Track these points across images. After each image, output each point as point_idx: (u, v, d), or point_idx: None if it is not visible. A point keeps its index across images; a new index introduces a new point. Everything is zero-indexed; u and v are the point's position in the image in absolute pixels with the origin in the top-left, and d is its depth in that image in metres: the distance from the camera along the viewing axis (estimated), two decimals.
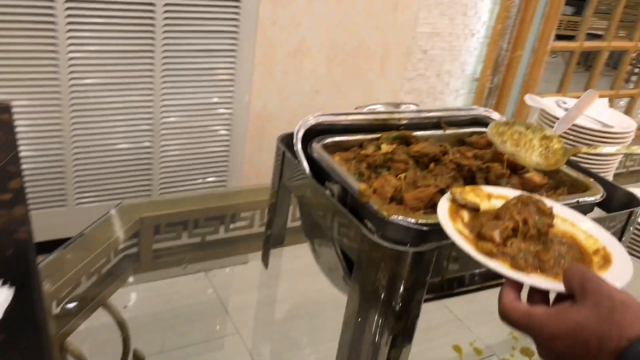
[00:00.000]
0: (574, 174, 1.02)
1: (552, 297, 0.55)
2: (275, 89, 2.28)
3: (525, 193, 0.72)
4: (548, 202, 0.71)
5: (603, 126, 1.34)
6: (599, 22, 4.87)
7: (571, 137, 1.30)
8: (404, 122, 1.12)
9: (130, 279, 1.18)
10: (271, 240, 1.09)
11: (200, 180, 2.15)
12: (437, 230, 0.81)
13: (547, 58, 2.97)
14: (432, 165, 1.01)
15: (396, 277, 0.77)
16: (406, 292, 0.79)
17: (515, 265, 0.59)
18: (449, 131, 1.15)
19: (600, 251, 0.65)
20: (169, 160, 2.07)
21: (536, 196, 0.71)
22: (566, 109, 1.44)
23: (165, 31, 1.87)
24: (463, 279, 0.91)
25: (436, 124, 1.16)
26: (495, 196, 0.75)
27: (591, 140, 1.32)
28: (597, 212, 1.24)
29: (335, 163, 0.94)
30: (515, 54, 2.85)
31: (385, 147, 1.03)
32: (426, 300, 0.90)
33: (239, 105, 2.11)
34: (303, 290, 1.24)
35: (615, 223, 0.96)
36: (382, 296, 0.79)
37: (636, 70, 5.00)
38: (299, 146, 0.97)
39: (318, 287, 0.99)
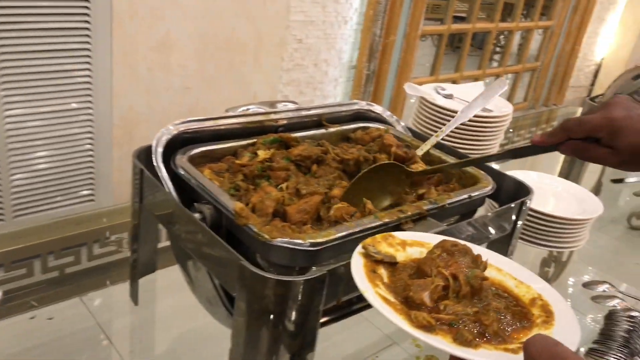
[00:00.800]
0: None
1: None
2: (141, 88, 2.07)
3: (448, 238, 0.64)
4: (476, 248, 0.64)
5: (483, 110, 1.31)
6: (462, 5, 5.08)
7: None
8: (282, 122, 1.00)
9: None
10: (138, 269, 0.93)
11: (62, 199, 1.90)
12: (330, 248, 0.71)
13: (418, 42, 3.00)
14: (314, 168, 0.91)
15: (284, 311, 0.66)
16: (299, 323, 0.67)
17: (460, 339, 0.51)
18: (332, 129, 1.05)
19: (537, 301, 0.59)
20: (22, 179, 1.80)
21: (461, 242, 0.63)
22: (445, 96, 1.41)
23: (1, 30, 1.60)
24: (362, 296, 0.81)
25: (317, 122, 1.05)
26: (409, 243, 0.66)
27: (473, 126, 1.29)
28: (488, 203, 1.21)
29: (204, 178, 0.81)
30: (388, 40, 2.85)
31: (262, 154, 0.91)
32: (324, 324, 0.80)
33: (100, 109, 1.88)
34: (188, 316, 1.09)
35: (508, 215, 0.91)
36: (270, 332, 0.67)
37: (498, 49, 5.29)
38: (159, 163, 0.82)
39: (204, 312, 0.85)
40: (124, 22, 1.90)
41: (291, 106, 1.04)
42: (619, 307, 1.11)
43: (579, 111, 2.94)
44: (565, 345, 0.43)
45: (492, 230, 0.90)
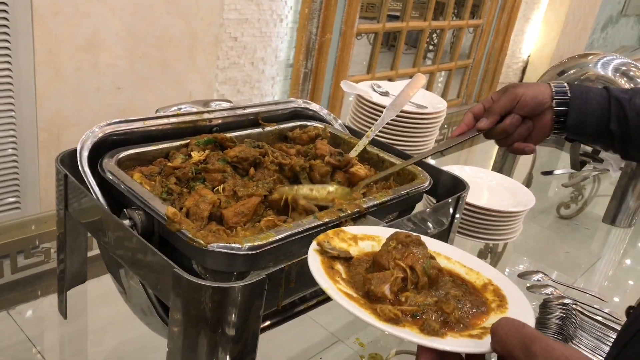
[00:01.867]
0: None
1: None
2: (67, 90, 1.97)
3: (401, 231, 0.65)
4: (425, 238, 0.65)
5: (418, 107, 1.32)
6: (395, 4, 5.15)
7: (391, 121, 1.26)
8: (217, 122, 0.97)
9: None
10: (67, 280, 0.88)
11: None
12: (269, 251, 0.68)
13: (354, 40, 3.01)
14: (252, 171, 0.88)
15: (223, 318, 0.63)
16: (239, 329, 0.65)
17: (427, 329, 0.52)
18: (268, 128, 1.03)
19: (488, 286, 0.60)
20: None
21: (413, 234, 0.64)
22: (382, 93, 1.41)
23: None
24: (305, 298, 0.80)
25: (254, 121, 1.02)
26: (361, 237, 0.67)
27: (408, 123, 1.30)
28: (425, 198, 1.22)
29: (134, 183, 0.76)
30: (324, 38, 2.84)
31: (196, 155, 0.87)
32: (266, 329, 0.78)
33: (23, 113, 1.77)
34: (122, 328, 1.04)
35: (445, 209, 0.92)
36: (208, 340, 0.64)
37: (431, 47, 5.41)
38: (85, 167, 0.77)
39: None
40: (46, 19, 1.80)
41: (226, 105, 1.01)
42: (552, 296, 1.15)
43: None
44: (531, 326, 0.44)
45: (430, 225, 0.90)
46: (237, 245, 0.66)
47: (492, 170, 1.49)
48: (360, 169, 0.93)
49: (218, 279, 0.70)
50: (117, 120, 0.85)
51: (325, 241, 0.63)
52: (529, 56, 4.60)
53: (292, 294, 0.71)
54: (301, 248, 0.70)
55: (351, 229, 0.68)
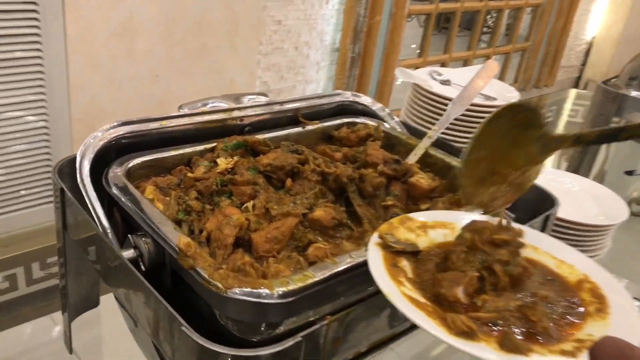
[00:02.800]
0: None
1: None
2: (102, 78, 1.85)
3: (479, 218, 0.56)
4: (512, 224, 0.56)
5: (485, 99, 1.13)
6: None
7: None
8: (250, 121, 0.81)
9: None
10: (71, 305, 0.74)
11: (16, 203, 1.68)
12: (307, 297, 0.52)
13: (405, 22, 2.79)
14: (288, 182, 0.72)
15: None
16: None
17: (507, 345, 0.43)
18: (310, 127, 0.86)
19: (584, 283, 0.51)
20: None
21: (490, 221, 0.55)
22: (443, 82, 1.22)
23: None
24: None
25: (293, 118, 0.86)
26: (431, 225, 0.58)
27: (474, 118, 1.11)
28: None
29: (142, 201, 0.61)
30: (373, 20, 2.64)
31: (222, 163, 0.72)
32: None
33: (55, 104, 1.67)
34: None
35: None
36: None
37: (485, 29, 5.09)
38: (85, 180, 0.62)
39: None
40: (78, 4, 1.68)
41: (260, 100, 0.85)
42: None
43: (571, 94, 2.77)
44: None
45: None
46: (266, 292, 0.50)
47: (567, 171, 1.28)
48: (422, 179, 0.75)
49: (242, 330, 0.54)
50: (128, 120, 0.71)
51: (388, 233, 0.54)
52: (593, 38, 4.24)
53: (338, 355, 0.55)
54: (352, 287, 0.56)
55: (420, 215, 0.59)
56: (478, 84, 0.87)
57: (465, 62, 3.37)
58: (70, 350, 0.74)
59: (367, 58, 2.68)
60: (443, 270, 0.51)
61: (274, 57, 2.45)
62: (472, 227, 0.55)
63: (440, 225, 0.58)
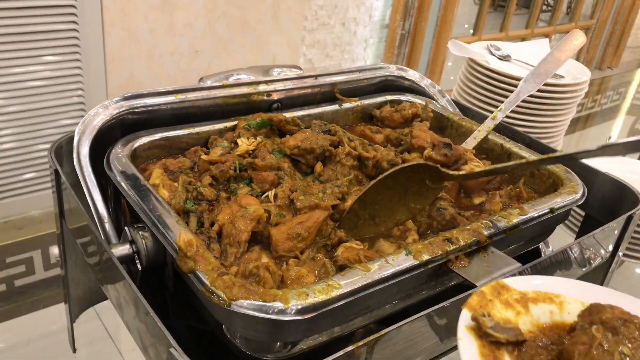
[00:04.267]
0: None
1: None
2: (141, 52, 1.79)
3: (601, 303, 0.43)
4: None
5: (553, 77, 0.98)
6: None
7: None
8: (278, 96, 0.71)
9: None
10: (74, 300, 0.66)
11: (36, 191, 1.61)
12: (330, 312, 0.42)
13: None
14: (318, 167, 0.62)
15: None
16: None
17: None
18: (348, 104, 0.75)
19: None
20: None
21: (624, 311, 0.41)
22: (501, 57, 1.08)
23: None
24: None
25: (329, 95, 0.75)
26: (532, 298, 0.46)
27: (539, 98, 0.97)
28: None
29: (145, 186, 0.52)
30: None
31: (244, 144, 0.62)
32: None
33: (91, 78, 1.61)
34: None
35: (608, 235, 0.60)
36: None
37: (544, 7, 4.80)
38: (83, 161, 0.54)
39: None
40: None
41: (292, 73, 0.74)
42: None
43: (638, 75, 2.54)
44: None
45: (582, 259, 0.59)
46: (279, 307, 0.40)
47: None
48: (477, 168, 0.63)
49: (252, 347, 0.44)
50: (137, 93, 0.61)
51: (484, 314, 0.42)
52: None
53: None
54: (385, 301, 0.47)
55: (517, 283, 0.46)
56: (559, 58, 0.73)
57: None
58: (74, 349, 0.67)
59: (417, 35, 2.53)
60: None
61: (319, 34, 2.33)
62: (596, 313, 0.42)
63: (545, 298, 0.47)
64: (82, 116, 1.61)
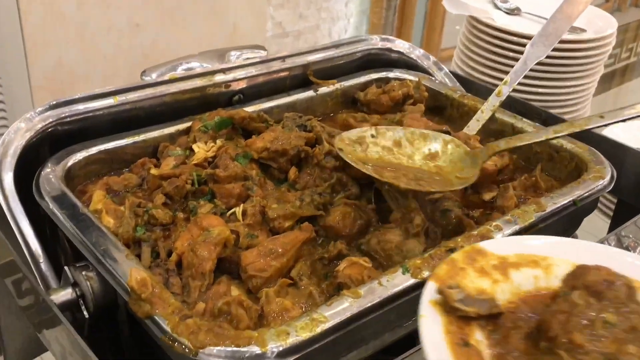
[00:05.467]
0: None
1: None
2: (69, 32, 1.78)
3: (588, 264, 0.44)
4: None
5: (571, 32, 1.00)
6: None
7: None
8: (240, 87, 0.73)
9: None
10: (9, 355, 0.68)
11: None
12: (320, 351, 0.44)
13: None
14: (292, 172, 0.64)
15: None
16: None
17: None
18: (325, 89, 0.77)
19: None
20: None
21: (616, 273, 0.43)
22: (509, 11, 1.09)
23: None
24: None
25: (302, 79, 0.77)
26: (513, 262, 0.47)
27: (554, 59, 0.99)
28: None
29: (86, 214, 0.53)
30: None
31: (201, 150, 0.64)
32: None
33: (8, 69, 1.61)
34: None
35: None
36: None
37: None
38: (7, 190, 0.55)
39: None
40: None
41: (255, 56, 0.76)
42: None
43: None
44: None
45: None
46: (256, 351, 0.42)
47: None
48: (491, 161, 0.66)
49: None
50: (67, 98, 0.63)
51: (452, 286, 0.43)
52: None
53: None
54: (383, 329, 0.50)
55: (496, 245, 0.48)
56: (570, 13, 0.75)
57: None
58: None
59: None
60: (538, 347, 0.41)
61: None
62: (579, 276, 0.43)
63: (528, 261, 0.48)
64: (5, 117, 1.61)
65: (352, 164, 0.58)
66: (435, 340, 0.40)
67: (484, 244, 0.48)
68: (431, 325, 0.41)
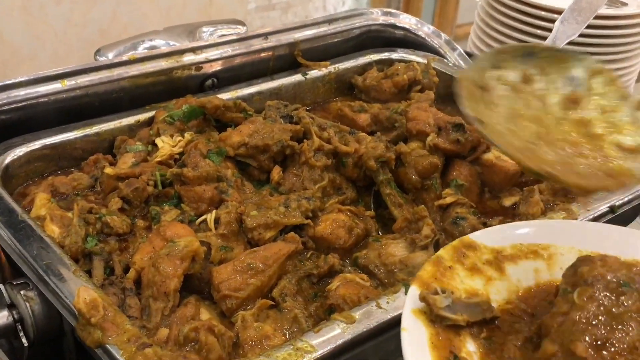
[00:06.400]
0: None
1: None
2: (13, 2, 1.81)
3: (589, 255, 0.46)
4: None
5: (611, 6, 1.02)
6: None
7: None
8: (213, 69, 0.74)
9: None
10: None
11: None
12: None
13: None
14: (276, 172, 0.65)
15: None
16: None
17: None
18: (316, 72, 0.78)
19: None
20: None
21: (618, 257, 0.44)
22: None
23: None
24: None
25: (289, 60, 0.79)
26: (510, 254, 0.49)
27: (589, 38, 1.00)
28: None
29: (27, 223, 0.54)
30: None
31: (166, 145, 0.65)
32: None
33: None
34: None
35: None
36: None
37: None
38: None
39: None
40: None
41: (234, 32, 0.77)
42: None
43: None
44: None
45: None
46: None
47: None
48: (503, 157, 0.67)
49: None
50: (6, 82, 0.65)
51: (436, 290, 0.44)
52: None
53: None
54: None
55: (488, 238, 0.49)
56: None
57: None
58: None
59: None
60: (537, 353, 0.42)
61: None
62: (583, 268, 0.44)
63: (527, 252, 0.49)
64: None
65: (507, 154, 0.52)
66: (420, 358, 0.41)
67: (474, 236, 0.49)
68: (414, 340, 0.42)
